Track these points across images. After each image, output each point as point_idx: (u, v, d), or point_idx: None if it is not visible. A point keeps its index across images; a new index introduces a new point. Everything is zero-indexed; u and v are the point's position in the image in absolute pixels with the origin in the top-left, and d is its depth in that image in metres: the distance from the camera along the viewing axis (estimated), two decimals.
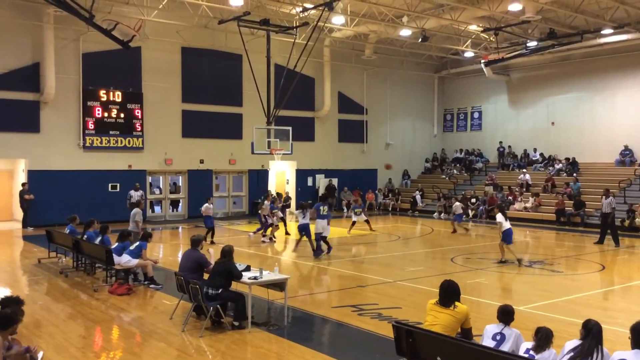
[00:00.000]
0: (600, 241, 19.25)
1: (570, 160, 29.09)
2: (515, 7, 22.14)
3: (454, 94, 36.32)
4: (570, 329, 8.11)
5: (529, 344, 6.01)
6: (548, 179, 28.35)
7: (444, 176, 33.92)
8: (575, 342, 5.75)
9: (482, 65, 30.21)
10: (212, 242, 18.29)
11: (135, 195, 23.06)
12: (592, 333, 5.64)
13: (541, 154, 31.21)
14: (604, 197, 19.34)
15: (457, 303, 6.53)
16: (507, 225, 15.43)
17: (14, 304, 6.70)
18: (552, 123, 31.14)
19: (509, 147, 32.90)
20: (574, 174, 27.96)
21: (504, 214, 15.83)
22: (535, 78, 32.01)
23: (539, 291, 12.33)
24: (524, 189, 28.40)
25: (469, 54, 30.92)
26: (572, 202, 25.16)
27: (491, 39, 27.65)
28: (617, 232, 19.33)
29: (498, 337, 6.23)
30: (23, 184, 22.94)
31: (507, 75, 33.15)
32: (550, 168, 29.74)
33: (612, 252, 17.90)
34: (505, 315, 6.40)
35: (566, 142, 30.22)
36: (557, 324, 8.65)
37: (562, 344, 5.88)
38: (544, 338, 5.90)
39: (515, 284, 13.45)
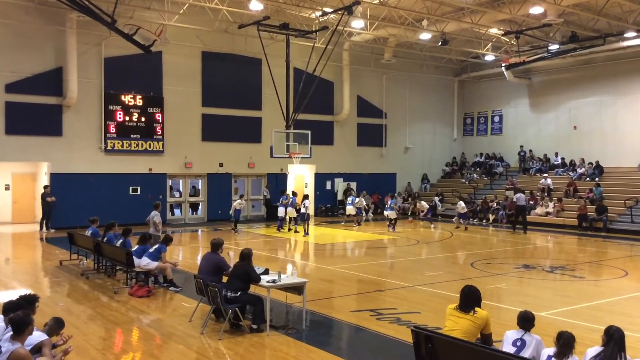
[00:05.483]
0: (513, 229, 24.05)
1: (594, 165, 28.72)
2: (536, 10, 21.93)
3: (474, 97, 36.08)
4: (592, 336, 7.99)
5: (550, 350, 5.88)
6: (570, 183, 28.00)
7: (463, 180, 33.71)
8: (597, 349, 5.64)
9: (503, 68, 29.94)
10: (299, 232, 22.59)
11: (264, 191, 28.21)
12: (613, 339, 5.53)
13: (562, 159, 30.85)
14: (515, 192, 24.64)
15: (477, 308, 6.47)
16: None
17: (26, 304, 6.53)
18: (574, 127, 30.77)
19: (530, 151, 32.57)
20: (596, 179, 27.59)
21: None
22: (557, 82, 31.67)
23: (560, 297, 12.18)
24: (546, 194, 28.08)
25: (490, 57, 30.71)
26: (595, 207, 24.83)
27: (512, 42, 27.44)
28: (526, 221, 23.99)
29: (518, 343, 6.13)
30: (45, 187, 23.26)
31: (529, 79, 32.86)
32: (572, 173, 29.38)
33: (635, 258, 17.60)
34: (526, 322, 6.28)
35: (588, 146, 29.81)
36: (579, 330, 8.52)
37: (584, 351, 5.78)
38: (566, 344, 5.73)
39: (536, 290, 13.27)
